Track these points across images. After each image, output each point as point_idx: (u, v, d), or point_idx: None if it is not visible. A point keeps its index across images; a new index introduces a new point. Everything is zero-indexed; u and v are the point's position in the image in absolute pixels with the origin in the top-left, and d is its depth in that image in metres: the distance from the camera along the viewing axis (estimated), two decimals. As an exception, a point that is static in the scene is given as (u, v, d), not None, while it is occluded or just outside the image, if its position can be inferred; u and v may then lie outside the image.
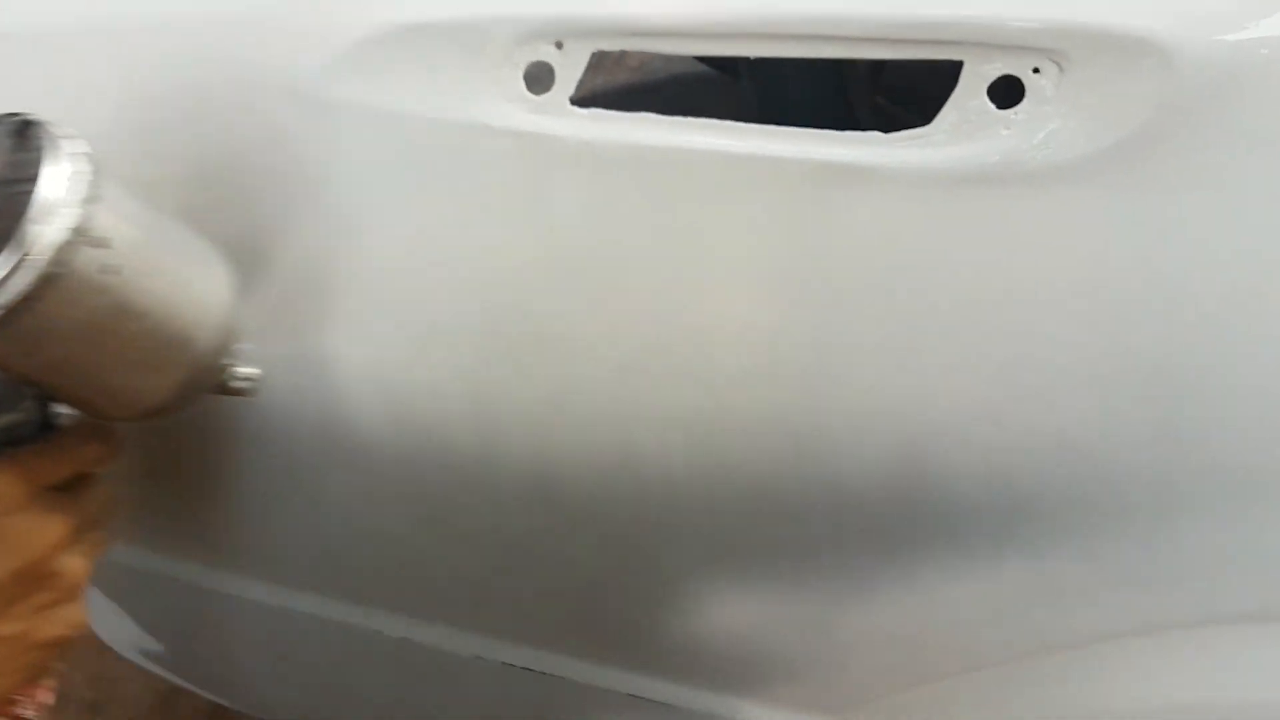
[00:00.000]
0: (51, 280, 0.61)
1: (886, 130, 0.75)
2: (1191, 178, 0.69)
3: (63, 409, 0.73)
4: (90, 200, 0.63)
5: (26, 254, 0.60)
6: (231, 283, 0.77)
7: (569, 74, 0.78)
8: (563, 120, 0.78)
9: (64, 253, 0.62)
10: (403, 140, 0.81)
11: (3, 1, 0.94)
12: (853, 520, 0.80)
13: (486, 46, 0.78)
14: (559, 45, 0.78)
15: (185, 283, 0.72)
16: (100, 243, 0.63)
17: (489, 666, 1.04)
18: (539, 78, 0.79)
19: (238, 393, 0.80)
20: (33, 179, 0.62)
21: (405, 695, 1.11)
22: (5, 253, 0.60)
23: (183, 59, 0.85)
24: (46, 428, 0.72)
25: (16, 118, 0.66)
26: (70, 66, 0.88)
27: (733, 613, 0.90)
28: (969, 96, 0.72)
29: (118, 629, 1.34)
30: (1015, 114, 0.71)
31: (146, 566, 1.17)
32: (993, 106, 0.71)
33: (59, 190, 0.62)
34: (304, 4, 0.85)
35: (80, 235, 0.62)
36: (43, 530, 0.69)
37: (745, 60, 1.03)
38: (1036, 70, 0.70)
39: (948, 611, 0.84)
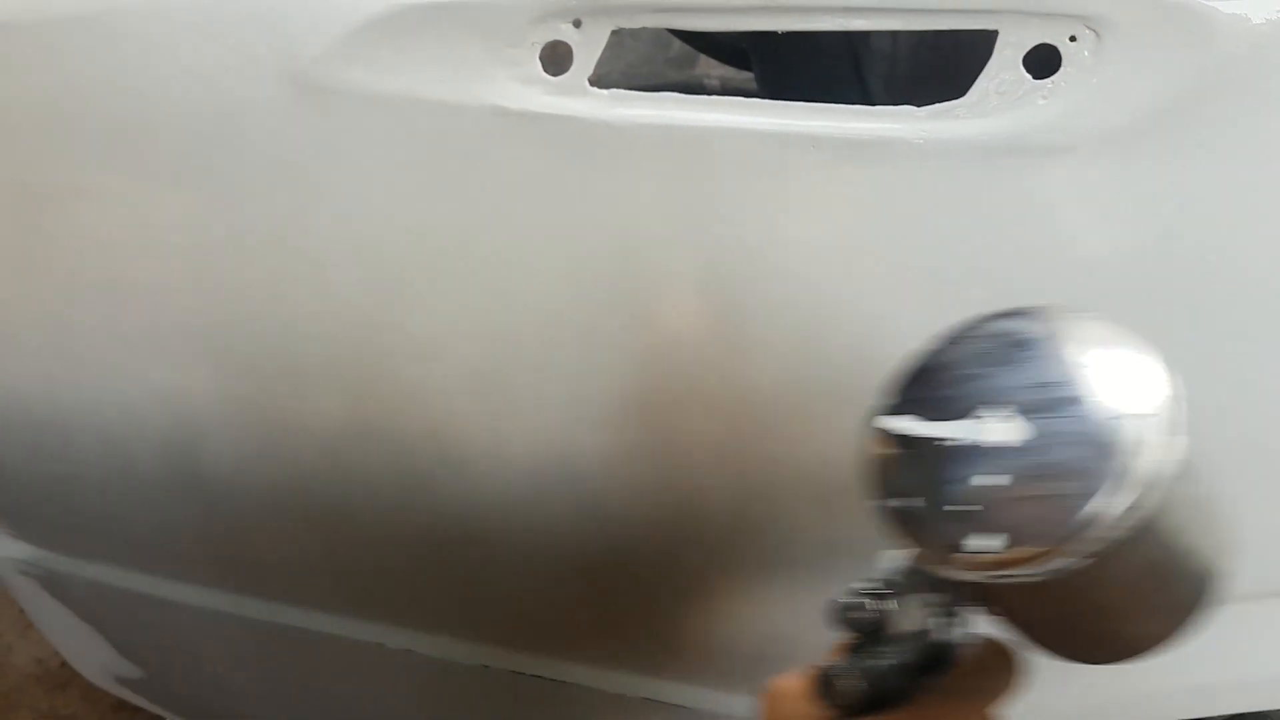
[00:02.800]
0: (1153, 520, 0.50)
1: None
2: (1233, 146, 0.69)
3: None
4: (1180, 428, 0.51)
5: (1140, 491, 0.49)
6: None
7: (588, 53, 0.75)
8: (582, 101, 0.75)
9: (1169, 491, 0.50)
10: (412, 127, 0.78)
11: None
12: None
13: (500, 26, 0.75)
14: (577, 24, 0.75)
15: (1220, 521, 0.58)
16: (1192, 473, 0.51)
17: (496, 675, 1.01)
18: (556, 58, 0.76)
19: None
20: (1089, 394, 0.51)
21: (410, 708, 1.07)
22: (1104, 485, 0.49)
23: (174, 47, 0.81)
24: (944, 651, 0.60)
25: (1055, 315, 0.55)
26: (56, 57, 0.84)
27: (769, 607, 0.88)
28: (1004, 67, 0.70)
29: (89, 654, 1.28)
30: (1052, 83, 0.70)
31: (124, 584, 1.12)
32: (1029, 76, 0.70)
33: (1167, 415, 0.50)
34: (300, -14, 0.81)
35: (1185, 468, 0.51)
36: None
37: (756, 50, 1.01)
38: (1073, 38, 0.69)
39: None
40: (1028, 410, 0.51)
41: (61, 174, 0.89)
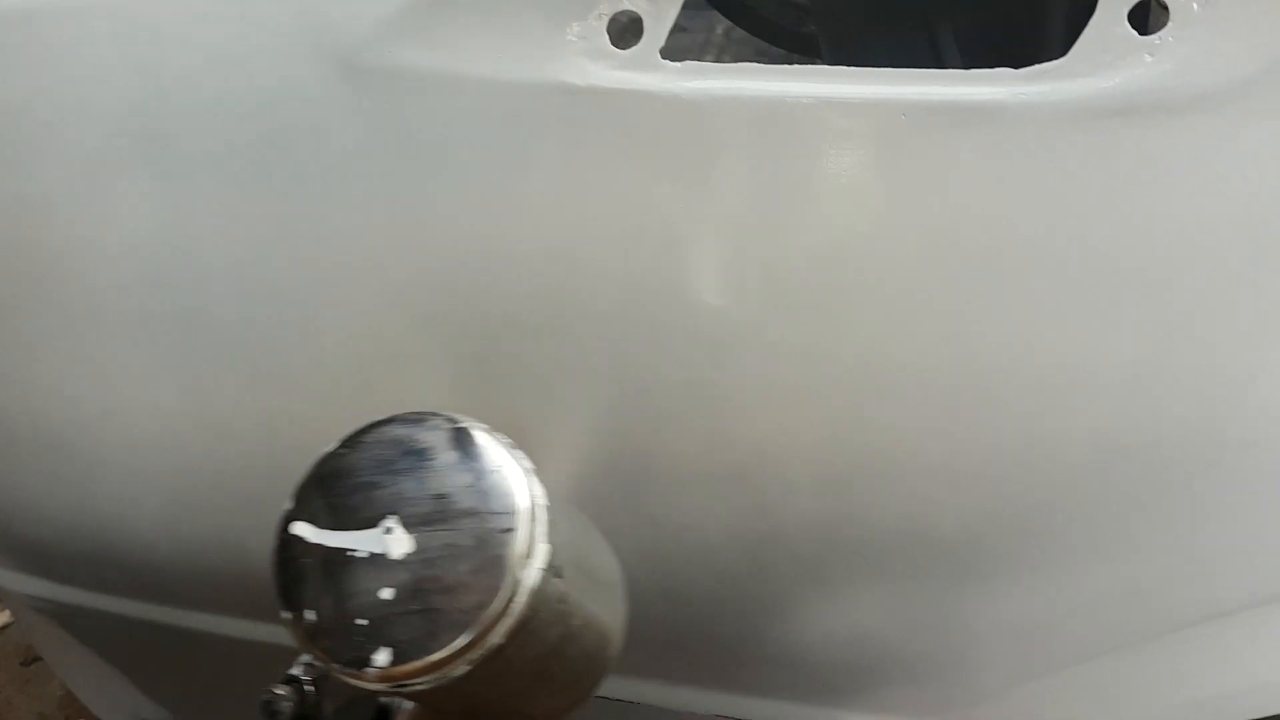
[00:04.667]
0: (524, 623, 0.55)
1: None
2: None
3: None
4: (554, 533, 0.57)
5: (508, 601, 0.55)
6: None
7: (659, 25, 0.71)
8: (654, 75, 0.71)
9: (537, 595, 0.56)
10: (473, 108, 0.74)
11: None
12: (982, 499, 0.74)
13: (565, -1, 0.71)
14: (647, -7, 0.71)
15: (607, 594, 0.66)
16: (558, 572, 0.57)
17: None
18: (625, 30, 0.72)
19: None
20: (479, 509, 0.56)
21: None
22: (477, 599, 0.54)
23: (216, 28, 0.76)
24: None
25: (447, 422, 0.59)
26: (90, 40, 0.79)
27: (837, 618, 0.83)
28: (1109, 23, 0.66)
29: (110, 696, 1.21)
30: (1159, 39, 0.66)
31: (146, 616, 1.05)
32: (1134, 32, 0.66)
33: (528, 527, 0.56)
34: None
35: (551, 571, 0.56)
36: None
37: (825, 31, 0.97)
38: (1180, -9, 0.65)
39: (1075, 596, 0.77)
40: (419, 522, 0.56)
41: (79, 173, 0.83)
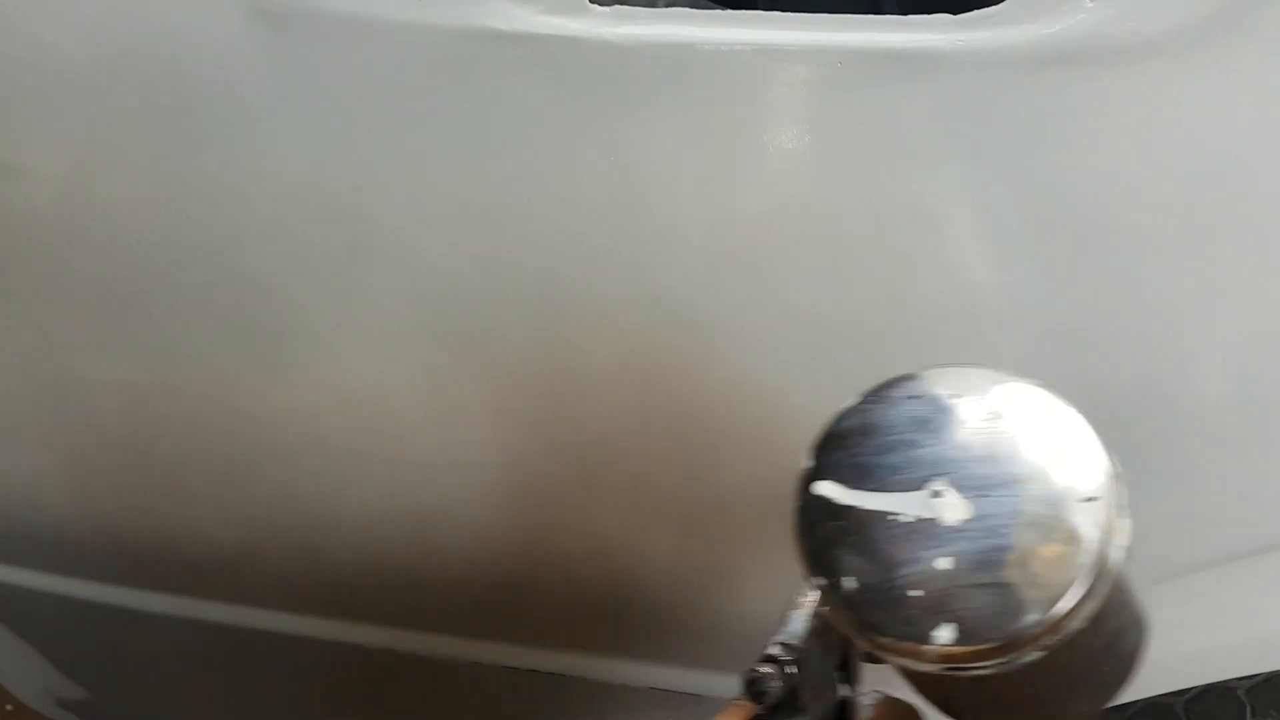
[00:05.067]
0: (1096, 600, 0.46)
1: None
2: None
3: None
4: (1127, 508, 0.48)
5: (1093, 581, 0.46)
6: None
7: (588, -34, 0.68)
8: (583, 20, 0.68)
9: (1110, 572, 0.47)
10: (393, 53, 0.70)
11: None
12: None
13: (489, -61, 0.68)
14: (575, -66, 0.68)
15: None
16: (1127, 550, 0.48)
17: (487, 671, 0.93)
18: (552, -27, 0.69)
19: None
20: (1050, 473, 0.47)
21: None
22: (1061, 576, 0.46)
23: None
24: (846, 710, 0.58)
25: (994, 377, 0.50)
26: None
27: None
28: (1047, -32, 0.64)
29: (26, 675, 1.17)
30: (1099, -15, 0.64)
31: (65, 591, 1.01)
32: (1074, -22, 0.64)
33: (1112, 497, 0.47)
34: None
35: (1122, 549, 0.47)
36: None
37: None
38: (1121, -66, 0.63)
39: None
40: (974, 486, 0.48)
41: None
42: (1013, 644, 0.46)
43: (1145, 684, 0.74)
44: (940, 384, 0.50)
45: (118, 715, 1.18)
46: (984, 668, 0.47)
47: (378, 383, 0.78)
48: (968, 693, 0.51)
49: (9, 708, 1.78)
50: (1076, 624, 0.46)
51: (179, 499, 0.87)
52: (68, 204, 0.80)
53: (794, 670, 0.52)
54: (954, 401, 0.50)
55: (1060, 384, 0.67)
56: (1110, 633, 0.50)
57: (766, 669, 0.51)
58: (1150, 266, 0.66)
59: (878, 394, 0.51)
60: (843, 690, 0.57)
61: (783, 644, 0.53)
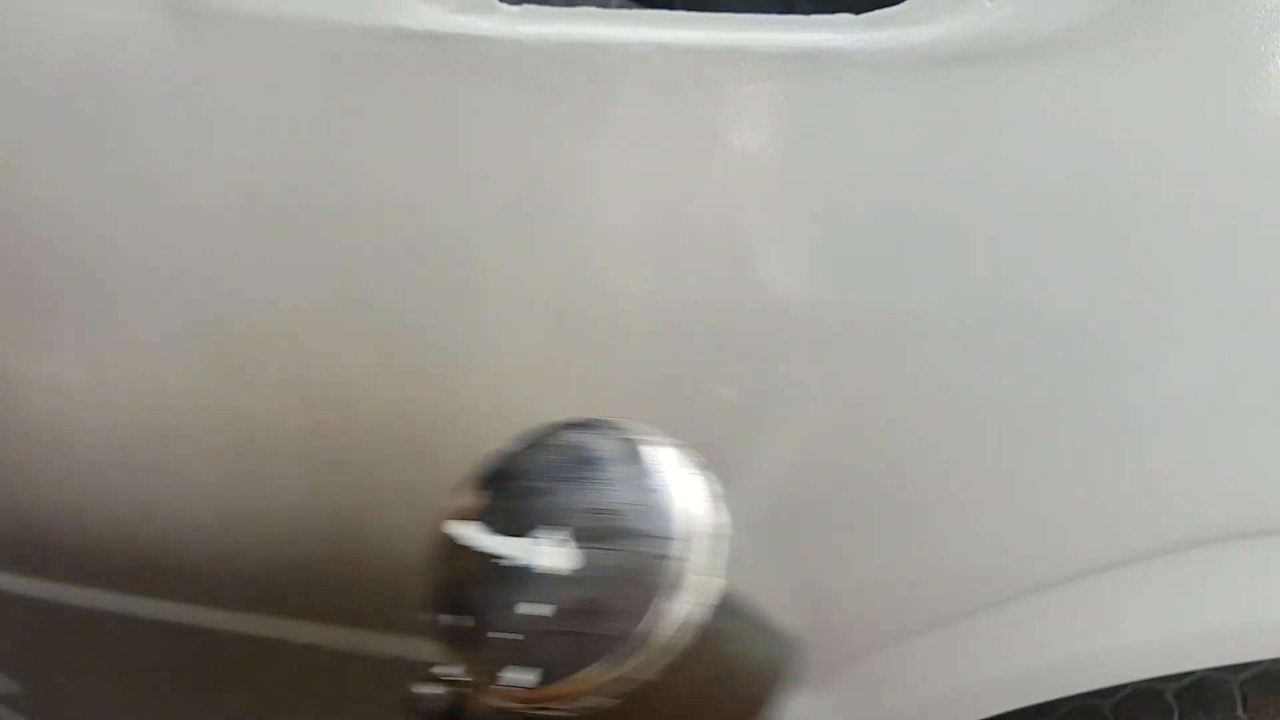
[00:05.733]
0: (674, 658, 0.51)
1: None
2: (1188, 46, 0.64)
3: None
4: (719, 568, 0.52)
5: (653, 631, 0.50)
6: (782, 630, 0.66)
7: (496, -34, 0.69)
8: (491, 19, 0.69)
9: (690, 629, 0.51)
10: (304, 52, 0.71)
11: None
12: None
13: (398, -62, 0.68)
14: (484, -67, 0.69)
15: (769, 639, 0.62)
16: (718, 609, 0.52)
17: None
18: (461, -28, 0.69)
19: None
20: (642, 529, 0.51)
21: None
22: (624, 626, 0.49)
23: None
24: None
25: (624, 432, 0.54)
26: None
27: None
28: (947, -32, 0.65)
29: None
30: (998, -15, 0.65)
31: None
32: (974, -22, 0.65)
33: (686, 554, 0.51)
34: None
35: (707, 605, 0.51)
36: None
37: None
38: (1019, -65, 0.64)
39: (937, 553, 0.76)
40: (582, 536, 0.52)
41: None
42: (585, 690, 0.49)
43: (1074, 679, 0.75)
44: (580, 434, 0.54)
45: (49, 709, 1.17)
46: (563, 711, 0.51)
47: (298, 375, 0.78)
48: None
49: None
50: (644, 674, 0.50)
51: (96, 490, 0.87)
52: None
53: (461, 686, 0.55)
54: (590, 451, 0.54)
55: (945, 381, 0.68)
56: (705, 679, 0.54)
57: (428, 688, 0.55)
58: (1047, 260, 0.66)
59: (529, 440, 0.55)
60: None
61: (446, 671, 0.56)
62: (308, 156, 0.72)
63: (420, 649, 0.82)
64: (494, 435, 0.60)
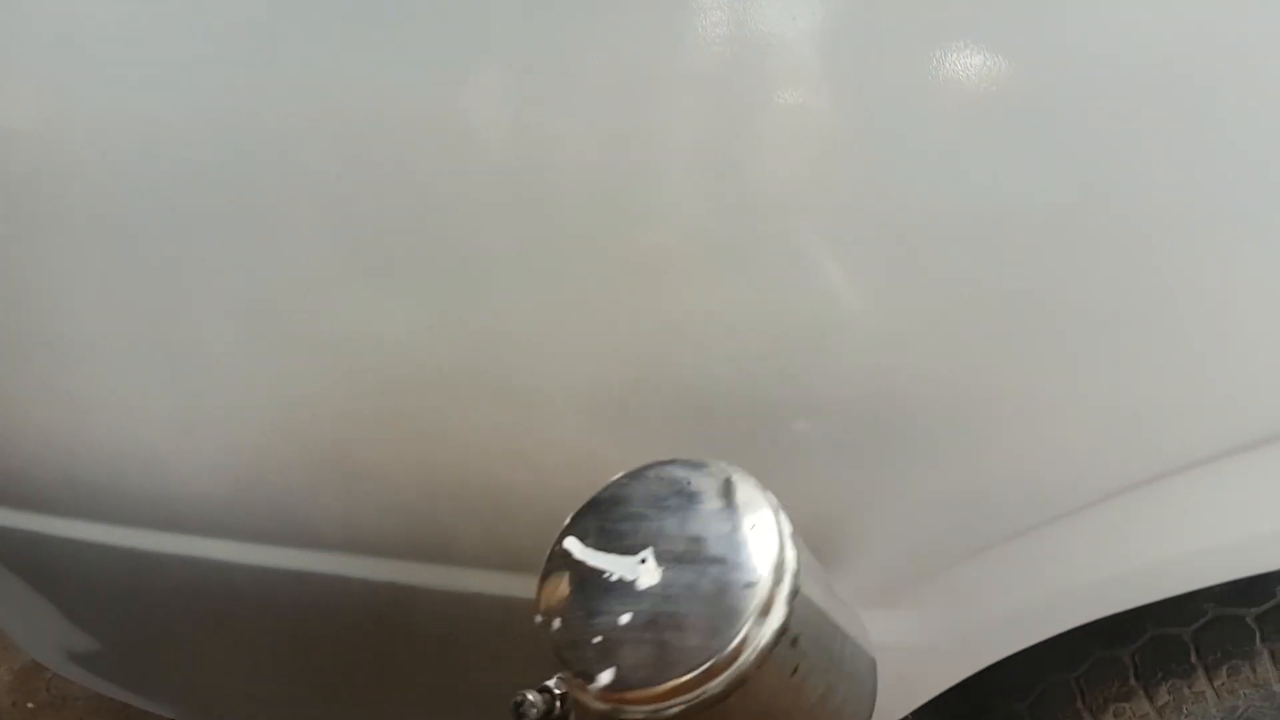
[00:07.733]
0: (745, 679, 0.56)
1: None
2: None
3: None
4: (799, 602, 0.58)
5: (735, 653, 0.55)
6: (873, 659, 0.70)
7: None
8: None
9: (765, 654, 0.56)
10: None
11: None
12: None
13: None
14: None
15: (850, 682, 0.66)
16: (794, 640, 0.58)
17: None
18: None
19: None
20: (728, 557, 0.58)
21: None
22: (704, 642, 0.56)
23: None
24: None
25: (721, 471, 0.62)
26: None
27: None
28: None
29: (38, 630, 1.18)
30: None
31: (70, 534, 1.01)
32: None
33: (770, 587, 0.57)
34: None
35: (786, 636, 0.57)
36: None
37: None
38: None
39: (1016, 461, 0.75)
40: (674, 559, 0.59)
41: None
42: (657, 695, 0.55)
43: (1158, 583, 0.73)
44: (681, 470, 0.63)
45: (126, 668, 1.18)
46: (638, 714, 0.56)
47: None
48: None
49: (30, 705, 1.81)
50: (716, 688, 0.55)
51: (172, 437, 0.87)
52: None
53: (561, 702, 0.60)
54: (687, 486, 0.62)
55: (1024, 283, 0.66)
56: (779, 706, 0.59)
57: (532, 695, 0.59)
58: (1135, 159, 0.65)
59: (635, 472, 0.64)
60: None
61: (560, 675, 0.61)
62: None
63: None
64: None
